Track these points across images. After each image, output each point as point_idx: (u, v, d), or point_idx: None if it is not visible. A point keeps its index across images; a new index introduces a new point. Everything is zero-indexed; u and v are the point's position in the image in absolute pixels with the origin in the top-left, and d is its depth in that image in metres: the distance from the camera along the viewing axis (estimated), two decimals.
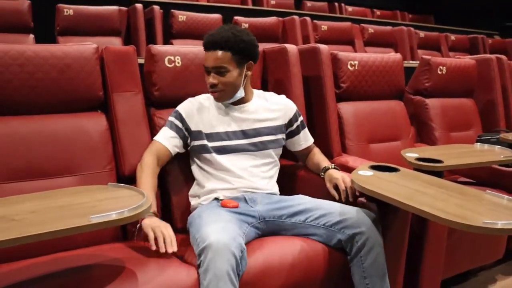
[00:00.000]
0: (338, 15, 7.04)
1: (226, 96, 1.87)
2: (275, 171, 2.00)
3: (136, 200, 1.36)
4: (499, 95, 3.20)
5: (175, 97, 2.00)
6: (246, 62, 1.85)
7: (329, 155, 2.33)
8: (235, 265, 1.41)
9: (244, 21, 4.62)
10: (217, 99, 1.88)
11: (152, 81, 2.02)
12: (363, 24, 5.58)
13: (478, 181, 2.57)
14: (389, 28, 5.66)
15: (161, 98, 2.03)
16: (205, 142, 1.87)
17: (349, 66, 2.56)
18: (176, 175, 1.98)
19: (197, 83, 2.05)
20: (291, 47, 2.31)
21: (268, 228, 1.77)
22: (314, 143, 2.16)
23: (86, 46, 1.88)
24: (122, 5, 4.20)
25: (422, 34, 5.76)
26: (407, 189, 1.63)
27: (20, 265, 1.49)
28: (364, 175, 1.78)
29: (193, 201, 1.91)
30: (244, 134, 1.91)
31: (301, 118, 2.06)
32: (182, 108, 1.91)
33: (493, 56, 3.24)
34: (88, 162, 1.83)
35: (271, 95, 2.03)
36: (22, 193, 1.47)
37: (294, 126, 2.03)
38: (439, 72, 2.93)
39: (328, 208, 1.74)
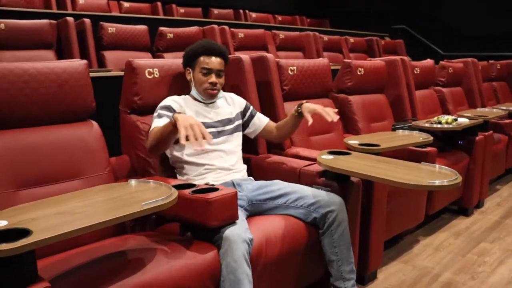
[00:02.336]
0: (247, 22, 7.48)
1: (217, 94, 2.30)
2: (241, 154, 2.40)
3: (165, 189, 1.65)
4: (405, 90, 3.80)
5: (155, 104, 2.27)
6: None
7: (280, 148, 2.75)
8: (248, 249, 1.76)
9: (169, 31, 4.88)
10: (213, 95, 2.28)
11: (134, 91, 2.28)
12: (274, 31, 6.06)
13: None
14: (297, 33, 6.20)
15: (144, 106, 2.29)
16: None
17: (289, 71, 2.97)
18: (160, 169, 2.27)
19: (172, 90, 2.37)
20: (245, 57, 2.67)
21: (254, 210, 2.13)
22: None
23: (78, 62, 2.10)
24: (52, 19, 4.27)
25: (325, 38, 6.36)
26: (364, 166, 2.07)
27: (66, 255, 1.71)
28: (327, 158, 2.19)
29: None
30: (221, 122, 2.31)
31: (251, 106, 2.50)
32: (168, 102, 2.22)
33: (398, 57, 3.84)
34: (90, 166, 2.05)
35: (226, 94, 2.45)
36: (36, 198, 1.65)
37: (249, 110, 2.47)
38: (359, 73, 3.44)
39: (302, 192, 2.14)
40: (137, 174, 2.30)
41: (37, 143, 1.94)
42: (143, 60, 2.34)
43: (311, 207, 2.09)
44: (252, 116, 2.47)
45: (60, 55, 4.21)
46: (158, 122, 2.12)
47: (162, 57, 4.71)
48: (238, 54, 2.75)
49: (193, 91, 2.31)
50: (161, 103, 2.23)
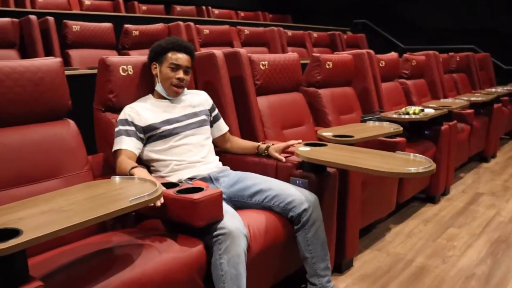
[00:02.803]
0: (211, 18, 7.47)
1: (182, 91, 2.30)
2: (212, 147, 2.41)
3: (149, 185, 1.66)
4: (372, 83, 3.90)
5: (130, 101, 2.28)
6: None
7: (255, 141, 2.77)
8: (246, 243, 1.81)
9: (134, 29, 4.83)
10: (178, 93, 2.28)
11: (108, 89, 2.26)
12: (239, 27, 6.07)
13: None
14: (261, 29, 6.23)
15: (118, 103, 2.28)
16: (157, 131, 2.21)
17: (261, 66, 3.00)
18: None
19: (146, 87, 2.36)
20: (218, 53, 2.69)
21: (234, 205, 2.15)
22: (241, 132, 2.67)
23: (53, 60, 2.07)
24: (11, 17, 4.16)
25: (289, 33, 6.43)
26: (342, 156, 2.13)
27: (52, 254, 1.70)
28: (305, 150, 2.24)
29: None
30: (186, 116, 2.31)
31: (216, 109, 2.50)
32: (124, 115, 2.20)
33: (364, 51, 3.92)
34: (68, 165, 2.03)
35: (193, 91, 2.47)
36: (16, 199, 1.62)
37: (215, 112, 2.48)
38: (327, 67, 3.50)
39: (278, 189, 2.15)
40: (114, 172, 2.28)
41: (14, 142, 1.90)
42: (116, 57, 2.32)
43: (287, 206, 2.11)
44: (217, 119, 2.48)
45: (24, 55, 4.12)
46: (120, 143, 2.14)
47: (128, 55, 4.67)
48: (205, 50, 2.77)
49: (158, 87, 2.29)
50: (120, 115, 2.22)
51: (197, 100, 2.40)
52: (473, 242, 3.00)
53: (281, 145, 2.38)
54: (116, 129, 2.18)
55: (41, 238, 1.24)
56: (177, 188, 1.85)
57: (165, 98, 2.30)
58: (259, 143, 2.47)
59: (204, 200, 1.74)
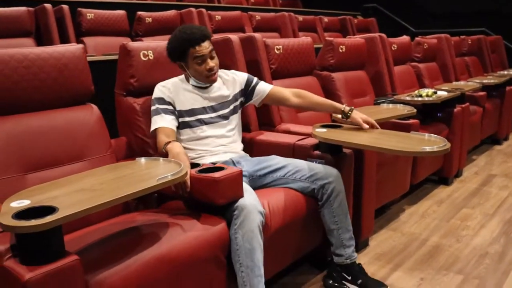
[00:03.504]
0: (221, 4, 7.46)
1: (218, 74, 2.28)
2: (240, 134, 2.45)
3: (173, 165, 1.73)
4: (384, 66, 3.92)
5: (151, 85, 2.32)
6: None
7: (271, 124, 2.84)
8: (262, 220, 1.86)
9: (147, 16, 4.88)
10: (215, 80, 2.27)
11: (130, 73, 2.32)
12: (250, 12, 6.09)
13: None
14: (272, 14, 6.25)
15: (140, 88, 2.34)
16: (186, 119, 2.25)
17: (276, 50, 3.04)
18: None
19: (167, 71, 2.40)
20: (234, 38, 2.73)
21: (255, 184, 2.21)
22: (258, 117, 2.74)
23: (75, 46, 2.13)
24: (26, 6, 4.22)
25: (300, 18, 6.44)
26: (358, 136, 2.17)
27: (80, 233, 1.77)
28: (321, 131, 2.29)
29: None
30: (213, 108, 2.31)
31: (255, 78, 2.48)
32: (160, 93, 2.23)
33: (377, 34, 3.95)
34: (92, 148, 2.10)
35: (223, 72, 2.43)
36: (44, 181, 1.70)
37: (252, 84, 2.45)
38: (340, 51, 3.53)
39: (300, 165, 2.22)
40: (136, 155, 2.34)
41: (41, 127, 1.97)
42: (137, 43, 2.38)
43: (309, 179, 2.18)
44: (255, 87, 2.46)
45: (40, 43, 4.18)
46: (159, 122, 2.16)
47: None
48: (217, 36, 2.80)
49: (193, 81, 2.28)
50: (154, 93, 2.25)
51: (229, 84, 2.39)
52: (486, 222, 3.04)
53: (365, 117, 2.36)
54: (153, 107, 2.20)
55: (77, 214, 1.31)
56: (198, 168, 1.91)
57: (196, 86, 2.29)
58: (343, 106, 2.40)
59: (224, 178, 1.80)
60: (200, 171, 1.88)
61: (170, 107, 2.21)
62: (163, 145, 2.04)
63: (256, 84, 2.47)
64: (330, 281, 2.27)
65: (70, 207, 1.34)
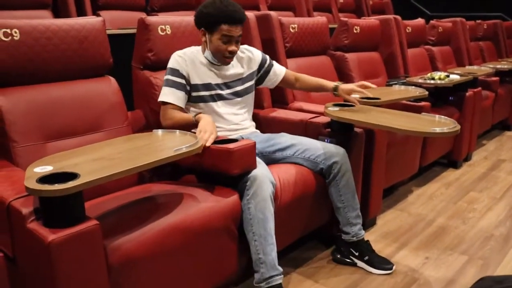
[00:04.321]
0: None
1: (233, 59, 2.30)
2: (251, 112, 2.48)
3: (189, 137, 1.78)
4: (398, 48, 3.93)
5: (168, 60, 2.33)
6: None
7: (284, 102, 2.89)
8: (273, 190, 1.93)
9: None
10: (229, 62, 2.27)
11: (148, 47, 2.36)
12: None
13: None
14: None
15: (157, 62, 2.38)
16: (201, 92, 2.26)
17: (291, 29, 3.06)
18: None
19: (184, 46, 2.41)
20: (250, 15, 2.76)
21: (265, 161, 2.25)
22: (271, 94, 2.78)
23: (96, 19, 2.18)
24: None
25: None
26: (370, 116, 2.21)
27: (97, 201, 1.83)
28: (334, 109, 2.32)
29: None
30: (227, 85, 2.33)
31: (268, 58, 2.50)
32: (176, 65, 2.21)
33: (391, 16, 3.94)
34: (110, 120, 2.15)
35: (241, 47, 2.40)
36: (63, 150, 1.76)
37: (266, 64, 2.48)
38: (355, 31, 3.54)
39: (309, 144, 2.27)
40: (151, 128, 2.39)
41: (61, 97, 2.02)
42: (155, 17, 2.41)
43: (317, 158, 2.22)
44: (268, 71, 2.48)
45: (57, 15, 4.20)
46: (170, 96, 2.17)
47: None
48: None
49: (208, 54, 2.24)
50: (170, 62, 2.24)
51: (244, 63, 2.39)
52: (493, 206, 3.08)
53: (350, 85, 2.47)
54: (166, 77, 2.21)
55: (98, 180, 1.37)
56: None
57: (211, 62, 2.28)
58: (333, 84, 2.51)
59: (239, 149, 1.85)
60: (216, 142, 1.93)
61: (183, 81, 2.21)
62: (193, 115, 2.07)
63: (270, 66, 2.49)
64: (338, 255, 2.34)
65: (91, 173, 1.40)
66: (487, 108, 4.37)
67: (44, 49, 1.97)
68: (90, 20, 2.14)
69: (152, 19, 2.38)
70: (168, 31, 2.41)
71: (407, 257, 2.42)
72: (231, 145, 1.86)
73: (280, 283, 1.92)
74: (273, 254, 1.90)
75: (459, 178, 3.61)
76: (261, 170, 1.93)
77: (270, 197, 1.90)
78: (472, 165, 3.93)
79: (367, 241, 2.32)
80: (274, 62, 2.54)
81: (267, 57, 2.51)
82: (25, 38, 1.91)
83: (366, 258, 2.27)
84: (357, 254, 2.29)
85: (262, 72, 2.48)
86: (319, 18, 3.33)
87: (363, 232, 2.30)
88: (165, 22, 2.41)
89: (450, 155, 3.82)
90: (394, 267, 2.28)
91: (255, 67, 2.44)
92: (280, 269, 1.93)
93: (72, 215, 1.41)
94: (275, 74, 2.51)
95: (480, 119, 4.11)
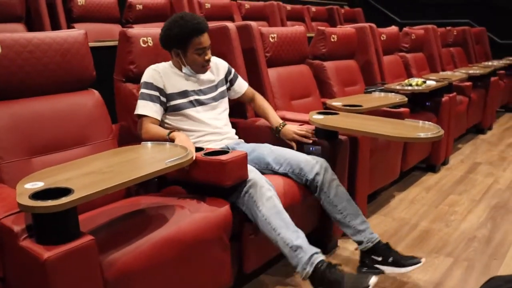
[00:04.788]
0: None
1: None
2: (228, 118, 2.49)
3: (179, 149, 1.77)
4: (374, 56, 4.00)
5: None
6: None
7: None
8: (275, 190, 1.97)
9: (138, 2, 4.84)
10: (207, 70, 2.32)
11: (130, 60, 2.35)
12: (239, 1, 6.10)
13: None
14: (261, 3, 6.27)
15: (139, 74, 2.35)
16: (178, 101, 2.28)
17: (270, 39, 3.08)
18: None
19: (166, 57, 2.42)
20: (231, 26, 2.77)
21: None
22: None
23: (77, 32, 2.15)
24: None
25: (288, 7, 6.47)
26: (355, 123, 2.24)
27: (87, 216, 1.80)
28: (319, 117, 2.34)
29: None
30: (203, 92, 2.36)
31: (233, 70, 2.55)
32: (150, 78, 2.24)
33: (367, 24, 4.01)
34: (95, 133, 2.12)
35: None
36: (49, 165, 1.71)
37: (231, 75, 2.53)
38: (332, 40, 3.59)
39: (290, 157, 2.25)
40: (135, 141, 2.37)
41: (45, 111, 1.99)
42: (136, 29, 2.41)
43: (299, 174, 2.22)
44: (233, 81, 2.54)
45: (30, 29, 4.14)
46: (146, 109, 2.20)
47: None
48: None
49: (185, 69, 2.30)
50: (144, 76, 2.25)
51: (214, 70, 2.44)
52: (473, 208, 3.14)
53: (292, 129, 2.42)
54: (141, 90, 2.23)
55: (93, 195, 1.35)
56: (204, 152, 1.96)
57: (185, 73, 2.32)
58: (277, 124, 2.48)
59: (232, 161, 1.85)
60: (206, 154, 1.92)
61: (157, 93, 2.22)
62: (167, 133, 2.09)
63: (235, 77, 2.55)
64: (364, 269, 2.22)
65: (85, 188, 1.38)
66: (462, 112, 4.47)
67: (26, 63, 1.95)
68: (72, 33, 2.11)
69: (133, 31, 2.37)
70: (150, 43, 2.40)
71: None
72: (223, 157, 1.86)
73: (323, 259, 1.87)
74: (302, 237, 1.90)
75: (439, 182, 3.68)
76: (257, 176, 1.95)
77: (275, 195, 1.93)
78: (450, 169, 4.00)
79: (386, 243, 2.21)
80: (239, 76, 2.59)
81: (232, 68, 2.56)
82: (7, 52, 1.88)
83: (391, 259, 2.14)
84: (380, 259, 2.17)
85: (229, 81, 2.52)
86: (298, 28, 3.36)
87: (375, 235, 2.20)
88: (147, 34, 2.40)
89: (428, 160, 3.89)
90: (423, 259, 2.14)
91: (222, 74, 2.48)
92: (316, 248, 1.90)
93: (67, 231, 1.38)
94: (239, 86, 2.56)
95: (456, 124, 4.20)
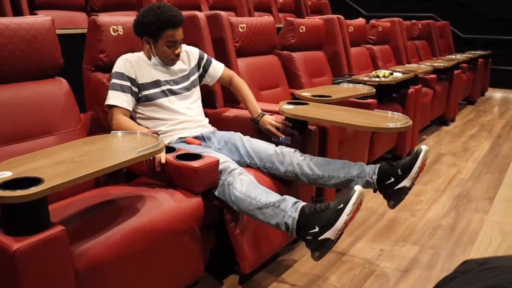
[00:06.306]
0: None
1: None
2: (201, 107, 2.49)
3: (151, 139, 1.75)
4: (342, 47, 4.03)
5: None
6: None
7: (236, 102, 2.87)
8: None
9: None
10: (175, 63, 2.33)
11: (100, 49, 2.30)
12: None
13: None
14: None
15: (110, 63, 2.31)
16: (151, 90, 2.26)
17: (240, 29, 3.07)
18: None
19: (137, 46, 2.38)
20: (200, 15, 2.75)
21: None
22: (223, 93, 2.79)
23: (44, 18, 2.08)
24: None
25: None
26: (325, 113, 2.26)
27: (56, 206, 1.76)
28: (289, 107, 2.36)
29: None
30: (175, 81, 2.36)
31: (206, 55, 2.55)
32: (122, 68, 2.21)
33: (335, 16, 4.04)
34: (63, 122, 2.08)
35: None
36: (16, 154, 1.67)
37: (204, 60, 2.52)
38: (301, 31, 3.60)
39: (261, 151, 2.23)
40: (105, 130, 2.34)
41: (10, 100, 1.93)
42: (107, 17, 2.35)
43: (271, 167, 2.21)
44: (207, 67, 2.52)
45: None
46: (117, 99, 2.17)
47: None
48: None
49: (154, 60, 2.29)
50: (115, 66, 2.23)
51: (185, 59, 2.43)
52: (438, 198, 3.22)
53: (269, 119, 2.41)
54: (112, 80, 2.20)
55: (64, 184, 1.33)
56: (175, 153, 1.94)
57: (157, 64, 2.31)
58: (256, 114, 2.46)
59: (204, 168, 1.85)
60: (178, 156, 1.91)
61: (128, 84, 2.20)
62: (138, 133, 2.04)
63: (209, 61, 2.54)
64: (393, 202, 2.14)
65: (55, 177, 1.35)
66: (426, 104, 4.57)
67: None
68: (39, 19, 2.06)
69: (103, 19, 2.32)
70: (121, 31, 2.36)
71: (363, 249, 2.49)
72: (195, 163, 1.84)
73: (308, 204, 1.77)
74: (279, 196, 1.84)
75: None
76: (230, 164, 1.97)
77: (247, 174, 1.95)
78: None
79: (387, 162, 2.13)
80: (213, 59, 2.58)
81: (204, 53, 2.55)
82: None
83: (400, 172, 2.06)
84: (393, 180, 2.06)
85: (202, 66, 2.52)
86: (267, 18, 3.36)
87: (372, 166, 2.12)
88: (117, 22, 2.35)
89: (394, 150, 3.96)
90: (424, 147, 2.11)
91: (194, 62, 2.48)
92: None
93: (37, 222, 1.35)
94: (214, 70, 2.55)
95: (421, 115, 4.29)
